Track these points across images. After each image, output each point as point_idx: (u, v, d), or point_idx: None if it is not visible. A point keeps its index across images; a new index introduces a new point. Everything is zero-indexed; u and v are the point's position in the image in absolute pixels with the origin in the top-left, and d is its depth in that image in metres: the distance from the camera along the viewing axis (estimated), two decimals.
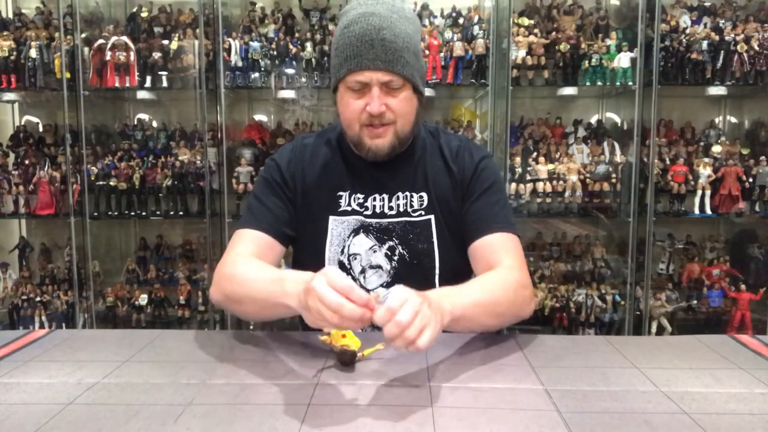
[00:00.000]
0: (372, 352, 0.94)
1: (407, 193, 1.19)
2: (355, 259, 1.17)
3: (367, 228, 1.17)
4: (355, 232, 1.18)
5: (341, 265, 1.17)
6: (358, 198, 1.19)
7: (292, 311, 0.92)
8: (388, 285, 1.17)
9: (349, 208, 1.18)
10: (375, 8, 1.07)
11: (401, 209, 1.18)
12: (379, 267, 1.17)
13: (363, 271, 1.18)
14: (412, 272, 1.16)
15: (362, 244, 1.17)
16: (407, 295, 0.80)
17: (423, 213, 1.18)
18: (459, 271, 1.19)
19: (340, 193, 1.19)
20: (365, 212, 1.18)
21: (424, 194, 1.18)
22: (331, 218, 1.18)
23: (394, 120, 1.11)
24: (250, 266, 1.07)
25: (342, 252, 1.18)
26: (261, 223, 1.16)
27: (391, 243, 1.17)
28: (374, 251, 1.17)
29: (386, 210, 1.18)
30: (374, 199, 1.18)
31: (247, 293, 1.02)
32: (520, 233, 1.18)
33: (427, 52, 2.62)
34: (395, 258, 1.17)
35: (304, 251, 1.23)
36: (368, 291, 1.17)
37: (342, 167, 1.21)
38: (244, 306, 1.05)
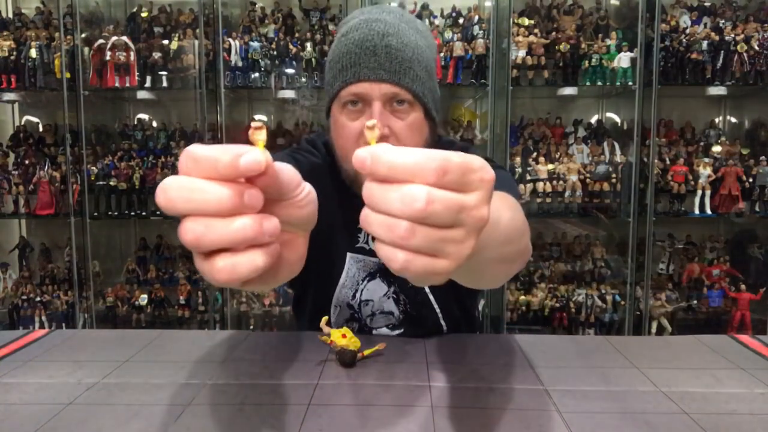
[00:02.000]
0: (372, 352, 0.94)
1: None
2: (367, 305, 1.08)
3: (383, 271, 1.04)
4: (371, 276, 1.05)
5: (350, 307, 1.09)
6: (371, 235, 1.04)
7: None
8: (394, 327, 1.10)
9: (366, 246, 1.04)
10: (381, 15, 0.90)
11: None
12: (391, 313, 1.08)
13: (372, 315, 1.09)
14: (417, 321, 1.09)
15: (377, 290, 1.07)
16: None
17: None
18: (462, 303, 1.11)
19: (360, 226, 0.90)
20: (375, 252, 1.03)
21: None
22: (349, 255, 1.04)
23: None
24: None
25: (353, 296, 1.08)
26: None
27: (395, 288, 1.07)
28: (387, 297, 1.08)
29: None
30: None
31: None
32: None
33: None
34: (401, 303, 1.07)
35: (310, 288, 1.10)
36: (371, 329, 1.09)
37: (356, 199, 0.82)
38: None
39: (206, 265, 0.40)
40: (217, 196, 0.38)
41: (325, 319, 0.97)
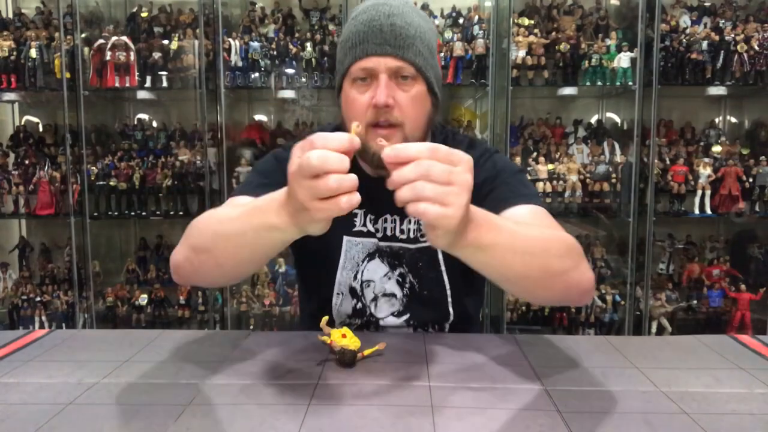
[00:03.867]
0: (372, 352, 0.94)
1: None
2: (368, 286, 1.09)
3: (382, 252, 1.08)
4: (370, 256, 1.08)
5: (353, 292, 1.10)
6: (372, 218, 1.08)
7: (281, 230, 0.72)
8: (399, 314, 1.10)
9: (364, 229, 1.08)
10: (387, 0, 0.97)
11: (411, 234, 1.07)
12: (393, 295, 1.09)
13: (375, 299, 1.10)
14: (423, 302, 1.10)
15: (377, 270, 1.09)
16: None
17: None
18: (471, 292, 1.13)
19: (356, 210, 1.00)
20: (377, 235, 1.08)
21: None
22: (345, 238, 1.08)
23: (402, 121, 0.95)
24: (217, 211, 0.91)
25: (355, 278, 1.09)
26: (256, 189, 0.92)
27: (401, 270, 1.08)
28: (388, 278, 1.09)
29: (398, 233, 1.07)
30: (385, 221, 1.08)
31: (220, 231, 0.84)
32: None
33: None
34: (406, 286, 1.09)
35: (313, 274, 1.13)
36: (378, 320, 1.10)
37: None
38: (216, 250, 0.84)
39: (329, 204, 0.64)
40: (343, 161, 0.63)
41: (325, 319, 0.97)
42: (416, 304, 1.10)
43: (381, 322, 1.10)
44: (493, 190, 1.01)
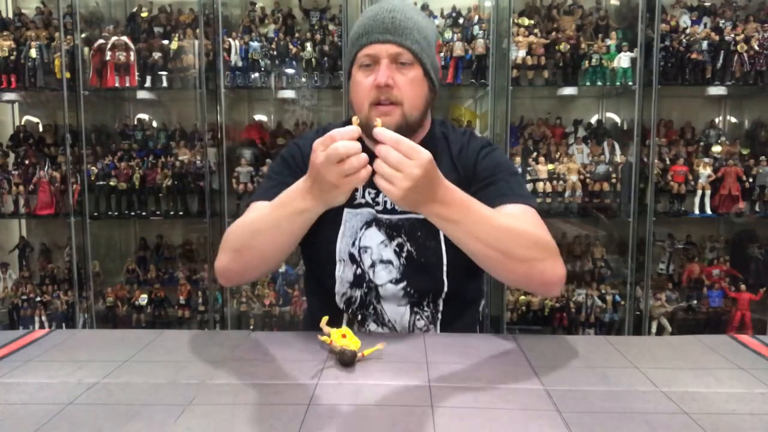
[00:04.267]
0: (372, 352, 0.94)
1: None
2: (366, 252, 1.17)
3: (379, 222, 1.18)
4: (367, 224, 1.18)
5: (351, 258, 1.17)
6: (371, 192, 1.19)
7: (309, 210, 0.97)
8: (397, 281, 1.16)
9: (363, 201, 1.19)
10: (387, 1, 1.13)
11: None
12: (390, 262, 1.16)
13: (373, 265, 1.17)
14: (420, 269, 1.16)
15: (374, 237, 1.17)
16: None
17: None
18: (468, 269, 1.17)
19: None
20: (377, 207, 1.18)
21: None
22: (346, 210, 1.18)
23: (401, 101, 1.09)
24: (246, 217, 1.12)
25: (353, 244, 1.17)
26: (269, 192, 1.11)
27: (399, 240, 1.17)
28: (385, 246, 1.16)
29: (396, 206, 1.16)
30: (385, 195, 1.17)
31: (256, 229, 1.05)
32: None
33: None
34: (403, 255, 1.16)
35: (316, 242, 1.19)
36: (377, 287, 1.17)
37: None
38: (258, 245, 1.05)
39: (353, 179, 0.87)
40: (358, 146, 0.85)
41: (325, 319, 0.98)
42: (413, 272, 1.16)
43: (380, 290, 1.17)
44: (493, 184, 1.13)
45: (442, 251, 1.16)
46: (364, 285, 1.18)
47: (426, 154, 0.85)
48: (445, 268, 1.16)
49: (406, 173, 0.84)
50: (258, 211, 1.09)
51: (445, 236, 1.15)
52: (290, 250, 1.09)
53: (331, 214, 1.13)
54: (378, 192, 1.18)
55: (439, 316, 1.18)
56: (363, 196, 1.19)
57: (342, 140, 0.84)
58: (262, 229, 1.04)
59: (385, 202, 1.18)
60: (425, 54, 1.10)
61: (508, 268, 1.01)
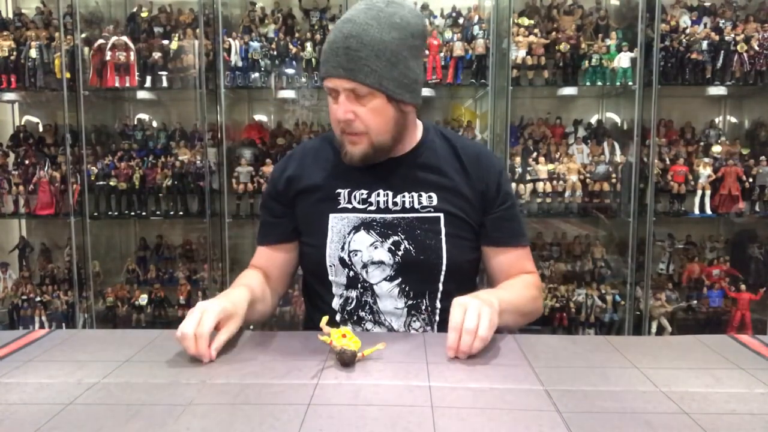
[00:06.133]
0: (372, 352, 0.94)
1: (413, 193, 1.19)
2: (356, 255, 1.18)
3: (369, 224, 1.18)
4: (356, 229, 1.18)
5: (342, 262, 1.18)
6: (362, 194, 1.19)
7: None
8: (391, 279, 1.18)
9: (349, 206, 1.19)
10: (355, 14, 1.07)
11: (407, 205, 1.18)
12: (381, 262, 1.17)
13: (365, 267, 1.18)
14: (417, 267, 1.17)
15: (363, 241, 1.18)
16: (465, 303, 0.95)
17: (432, 210, 1.18)
18: (464, 269, 1.20)
19: (339, 190, 1.20)
20: (369, 208, 1.19)
21: (433, 194, 1.19)
22: (331, 216, 1.19)
23: (365, 130, 1.11)
24: (240, 280, 1.22)
25: (342, 248, 1.18)
26: (264, 239, 1.28)
27: (396, 238, 1.17)
28: (375, 247, 1.17)
29: (390, 205, 1.18)
30: (378, 195, 1.19)
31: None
32: None
33: (426, 52, 2.62)
34: (400, 253, 1.17)
35: (308, 248, 1.24)
36: (372, 285, 1.18)
37: (341, 167, 1.21)
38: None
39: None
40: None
41: (325, 318, 0.98)
42: (409, 270, 1.17)
43: (376, 288, 1.18)
44: (508, 220, 1.22)
45: (443, 251, 1.17)
46: (359, 285, 1.19)
47: (469, 302, 0.96)
48: (443, 267, 1.17)
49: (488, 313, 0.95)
50: (248, 277, 1.22)
51: (447, 236, 1.17)
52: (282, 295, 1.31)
53: (316, 221, 1.21)
54: (370, 193, 1.19)
55: (437, 317, 1.19)
56: (349, 201, 1.20)
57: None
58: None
59: (378, 202, 1.19)
60: (386, 79, 1.07)
61: (527, 320, 1.20)
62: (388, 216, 1.18)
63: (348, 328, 0.94)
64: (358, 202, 1.19)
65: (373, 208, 1.19)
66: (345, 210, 1.19)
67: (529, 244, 1.28)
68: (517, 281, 1.20)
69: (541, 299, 1.25)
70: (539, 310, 1.24)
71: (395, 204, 1.18)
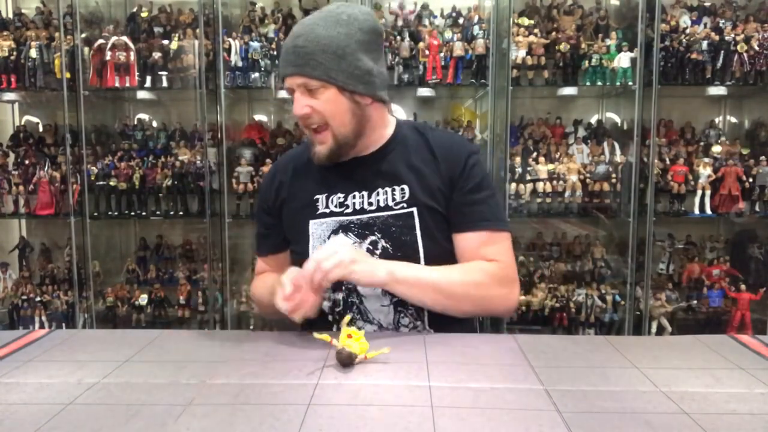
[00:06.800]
0: (376, 355, 0.94)
1: (387, 188, 1.20)
2: None
3: (347, 227, 1.21)
4: (334, 232, 1.21)
5: None
6: (339, 197, 1.22)
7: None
8: None
9: (327, 211, 1.22)
10: (306, 19, 1.15)
11: (381, 204, 1.20)
12: None
13: None
14: None
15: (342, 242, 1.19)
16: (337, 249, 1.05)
17: (405, 205, 1.18)
18: (443, 260, 1.19)
19: (317, 197, 1.23)
20: (346, 210, 1.21)
21: (405, 186, 1.19)
22: (311, 222, 1.23)
23: (326, 122, 1.14)
24: (255, 284, 1.36)
25: None
26: (260, 249, 1.37)
27: (373, 237, 1.19)
28: (355, 249, 1.17)
29: (366, 206, 1.20)
30: (354, 197, 1.21)
31: (262, 303, 1.27)
32: (520, 233, 1.22)
33: (426, 51, 2.63)
34: (377, 252, 1.18)
35: (294, 255, 1.29)
36: (356, 286, 1.19)
37: (317, 172, 1.24)
38: (269, 311, 1.20)
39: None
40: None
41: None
42: None
43: (360, 288, 1.19)
44: (477, 204, 1.19)
45: (419, 245, 1.17)
46: (343, 287, 1.20)
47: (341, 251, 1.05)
48: (422, 262, 1.17)
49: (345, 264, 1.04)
50: (261, 281, 1.33)
51: (421, 230, 1.18)
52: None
53: (298, 228, 1.25)
54: (346, 196, 1.22)
55: (425, 312, 1.19)
56: (327, 206, 1.23)
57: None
58: (264, 306, 1.26)
59: (354, 204, 1.21)
60: (333, 71, 1.11)
61: (454, 311, 1.16)
62: (364, 216, 1.20)
63: (354, 329, 0.94)
64: (336, 206, 1.22)
65: (350, 210, 1.21)
66: (323, 215, 1.22)
67: (504, 231, 1.20)
68: (457, 264, 1.18)
69: (494, 287, 1.15)
70: (487, 298, 1.15)
71: (371, 204, 1.20)
